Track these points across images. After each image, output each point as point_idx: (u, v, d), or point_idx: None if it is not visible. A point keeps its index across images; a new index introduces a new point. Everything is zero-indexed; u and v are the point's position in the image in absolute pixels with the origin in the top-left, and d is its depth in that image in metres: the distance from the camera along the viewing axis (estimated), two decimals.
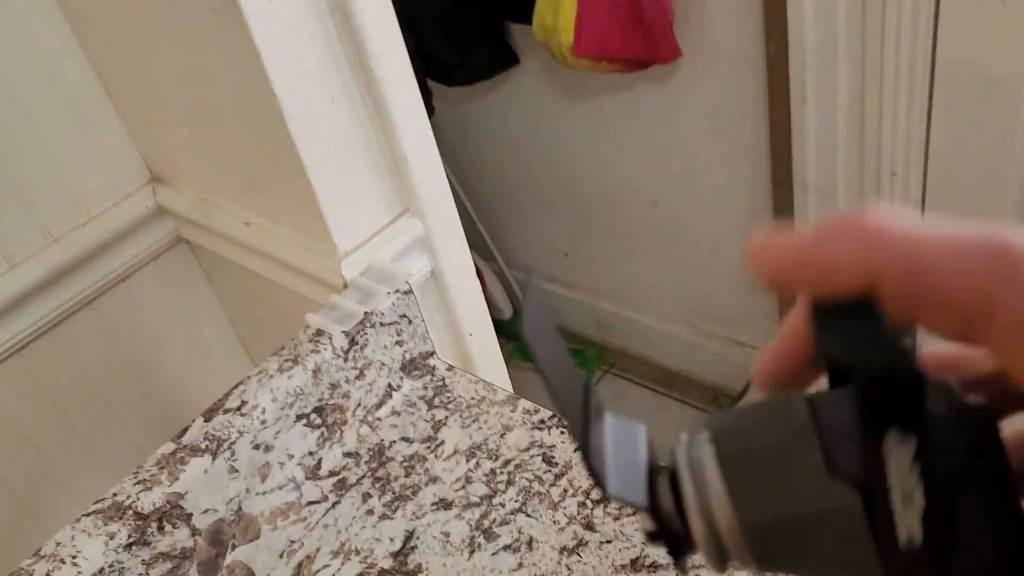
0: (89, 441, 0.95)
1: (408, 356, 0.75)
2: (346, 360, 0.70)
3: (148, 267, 0.93)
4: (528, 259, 2.05)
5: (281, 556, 0.65)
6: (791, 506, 0.21)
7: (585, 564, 0.61)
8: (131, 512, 0.60)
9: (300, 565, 0.64)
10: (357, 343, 0.71)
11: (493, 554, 0.62)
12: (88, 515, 0.61)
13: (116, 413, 0.97)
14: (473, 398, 0.74)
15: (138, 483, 0.62)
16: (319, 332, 0.71)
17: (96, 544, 0.59)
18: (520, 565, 0.61)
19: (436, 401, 0.74)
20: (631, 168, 1.66)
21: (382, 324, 0.72)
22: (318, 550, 0.65)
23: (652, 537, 0.23)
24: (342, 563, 0.64)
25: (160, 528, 0.61)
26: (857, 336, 0.21)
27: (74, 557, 0.58)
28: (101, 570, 0.58)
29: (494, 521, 0.64)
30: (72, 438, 0.93)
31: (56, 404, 0.91)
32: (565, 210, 1.86)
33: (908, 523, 0.20)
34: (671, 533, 0.23)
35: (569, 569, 0.61)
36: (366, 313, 0.71)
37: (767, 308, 1.67)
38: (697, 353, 1.85)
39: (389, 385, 0.75)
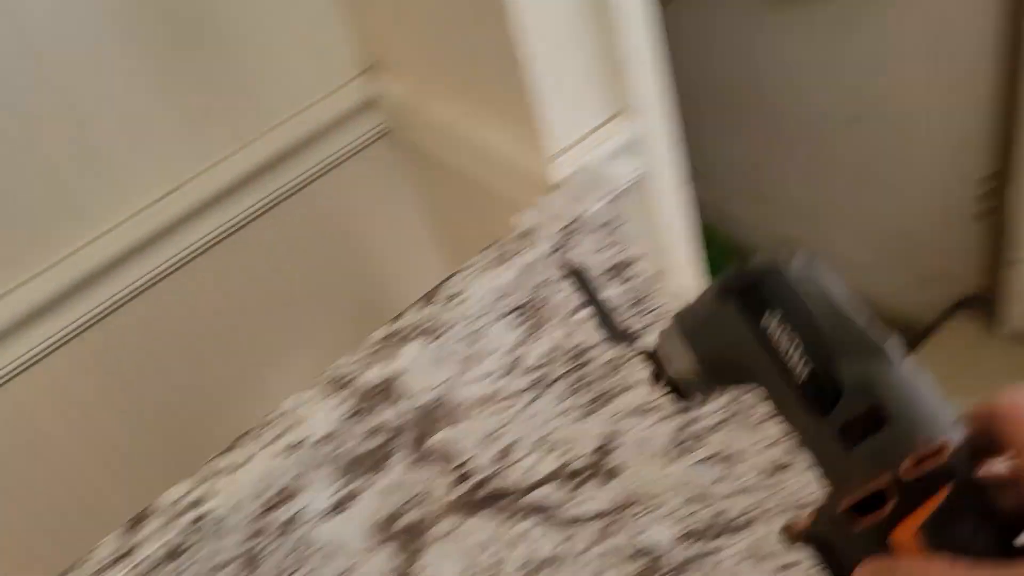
0: (295, 322, 1.01)
1: (614, 261, 0.75)
2: (553, 261, 0.71)
3: (356, 158, 0.96)
4: (715, 169, 1.98)
5: (481, 443, 0.68)
6: (715, 333, 0.34)
7: (788, 487, 0.60)
8: (353, 387, 0.64)
9: (500, 453, 0.67)
10: (565, 245, 0.71)
11: (693, 464, 0.62)
12: (316, 385, 0.65)
13: (320, 297, 1.02)
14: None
15: (358, 361, 0.66)
16: (528, 232, 0.71)
17: (323, 412, 0.63)
18: (721, 478, 0.60)
19: (640, 308, 0.74)
20: (835, 80, 1.55)
21: (591, 227, 0.72)
22: (517, 441, 0.67)
23: (654, 379, 0.38)
24: (540, 456, 0.66)
25: (377, 405, 0.65)
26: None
27: (303, 422, 0.63)
28: (326, 436, 0.63)
29: (696, 433, 0.64)
30: (280, 318, 1.00)
31: (268, 285, 0.97)
32: (759, 121, 1.77)
33: (797, 366, 0.30)
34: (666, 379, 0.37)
35: (771, 489, 0.60)
36: (576, 216, 0.70)
37: (969, 242, 1.55)
38: (885, 283, 1.75)
39: None
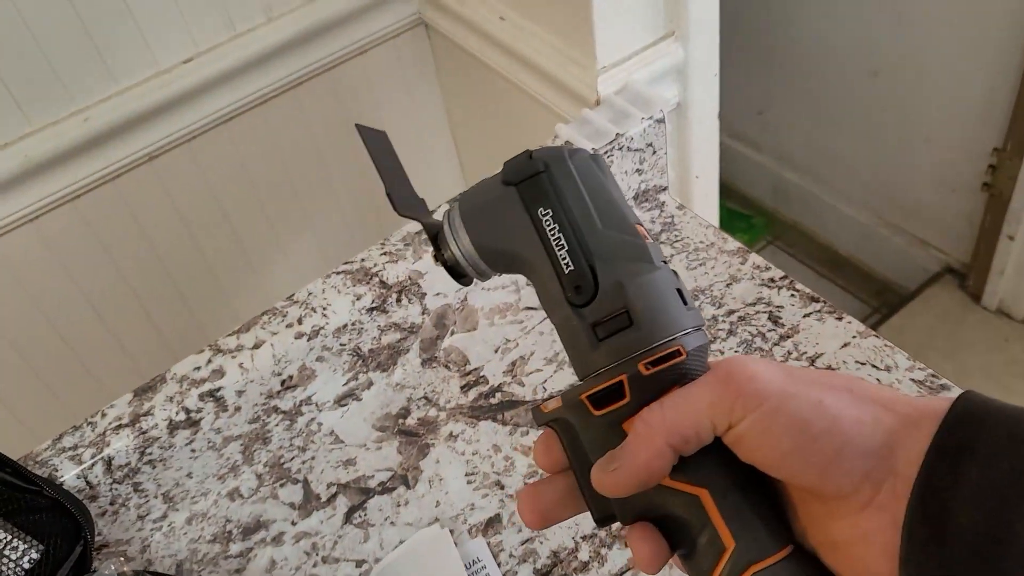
0: (310, 201, 0.99)
1: (644, 187, 0.74)
2: None
3: (386, 45, 0.93)
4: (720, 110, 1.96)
5: (496, 351, 0.68)
6: (493, 220, 0.33)
7: None
8: (377, 280, 0.63)
9: (513, 364, 0.67)
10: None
11: None
12: (339, 273, 0.64)
13: (332, 180, 1.00)
14: (702, 242, 0.72)
15: (385, 254, 0.65)
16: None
17: (344, 301, 0.62)
18: None
19: (663, 237, 0.73)
20: (857, 32, 1.52)
21: (630, 149, 0.70)
22: (532, 354, 0.67)
23: (435, 257, 0.35)
24: (555, 371, 0.66)
25: (398, 300, 0.64)
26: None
27: (324, 308, 0.62)
28: (344, 326, 0.62)
29: None
30: (295, 195, 0.98)
31: (284, 161, 0.95)
32: (771, 65, 1.74)
33: (564, 259, 0.31)
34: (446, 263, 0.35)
35: None
36: (618, 134, 0.69)
37: (967, 212, 1.56)
38: (874, 243, 1.76)
39: None
